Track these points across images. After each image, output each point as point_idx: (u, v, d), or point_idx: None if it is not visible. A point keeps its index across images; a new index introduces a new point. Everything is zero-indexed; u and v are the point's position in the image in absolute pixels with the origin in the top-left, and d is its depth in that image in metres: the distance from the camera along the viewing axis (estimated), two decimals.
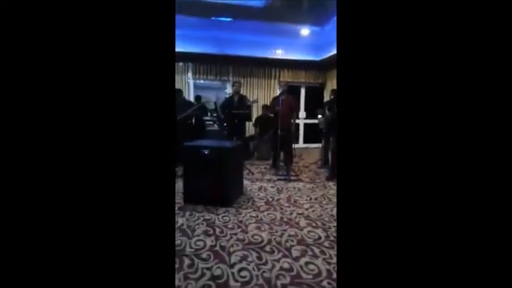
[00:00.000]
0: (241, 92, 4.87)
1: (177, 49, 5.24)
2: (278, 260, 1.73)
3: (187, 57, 5.78)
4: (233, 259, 1.73)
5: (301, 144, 6.96)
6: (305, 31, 5.14)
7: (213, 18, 4.60)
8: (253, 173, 3.99)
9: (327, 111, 4.24)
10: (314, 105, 6.29)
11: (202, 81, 6.29)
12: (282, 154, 4.20)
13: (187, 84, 6.10)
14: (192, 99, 5.95)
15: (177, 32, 4.34)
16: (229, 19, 4.64)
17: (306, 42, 5.76)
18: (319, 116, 4.58)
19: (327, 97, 6.51)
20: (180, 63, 5.94)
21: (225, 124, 4.27)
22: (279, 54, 5.98)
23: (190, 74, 6.09)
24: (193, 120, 5.02)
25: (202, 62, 6.03)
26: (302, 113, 6.64)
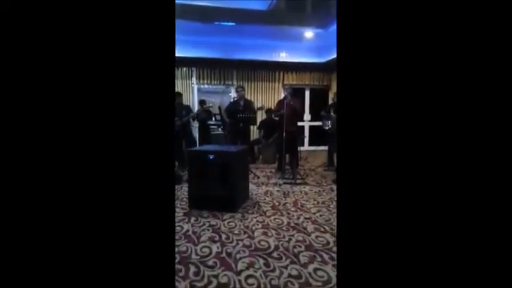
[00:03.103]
0: (246, 96, 4.86)
1: (181, 54, 5.27)
2: (286, 267, 1.69)
3: (190, 62, 5.78)
4: (240, 266, 1.69)
5: (306, 146, 6.90)
6: (309, 34, 5.11)
7: (216, 23, 4.61)
8: (258, 177, 3.95)
9: (332, 114, 4.21)
10: (319, 107, 6.24)
11: (206, 86, 6.29)
12: (287, 157, 4.16)
13: (192, 89, 6.11)
14: (196, 103, 5.96)
15: (180, 37, 4.37)
16: (232, 23, 4.64)
17: (310, 44, 5.73)
18: (323, 116, 4.54)
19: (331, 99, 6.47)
20: (184, 69, 5.95)
21: (229, 128, 4.27)
22: (283, 57, 5.96)
23: (194, 79, 6.09)
24: (196, 124, 5.04)
25: (206, 67, 6.02)
26: (307, 116, 6.59)
